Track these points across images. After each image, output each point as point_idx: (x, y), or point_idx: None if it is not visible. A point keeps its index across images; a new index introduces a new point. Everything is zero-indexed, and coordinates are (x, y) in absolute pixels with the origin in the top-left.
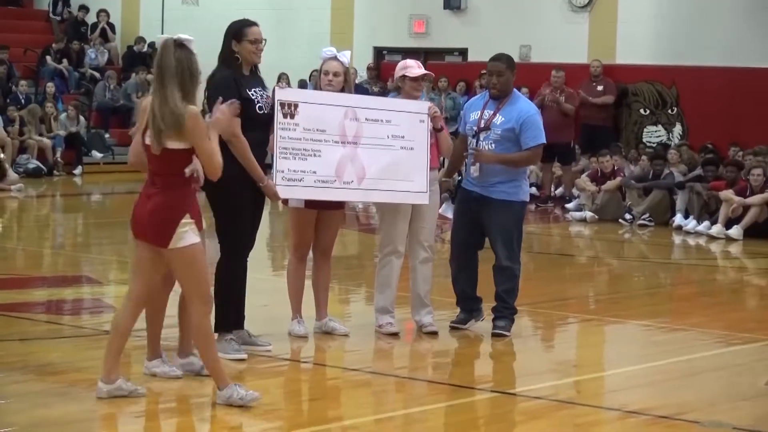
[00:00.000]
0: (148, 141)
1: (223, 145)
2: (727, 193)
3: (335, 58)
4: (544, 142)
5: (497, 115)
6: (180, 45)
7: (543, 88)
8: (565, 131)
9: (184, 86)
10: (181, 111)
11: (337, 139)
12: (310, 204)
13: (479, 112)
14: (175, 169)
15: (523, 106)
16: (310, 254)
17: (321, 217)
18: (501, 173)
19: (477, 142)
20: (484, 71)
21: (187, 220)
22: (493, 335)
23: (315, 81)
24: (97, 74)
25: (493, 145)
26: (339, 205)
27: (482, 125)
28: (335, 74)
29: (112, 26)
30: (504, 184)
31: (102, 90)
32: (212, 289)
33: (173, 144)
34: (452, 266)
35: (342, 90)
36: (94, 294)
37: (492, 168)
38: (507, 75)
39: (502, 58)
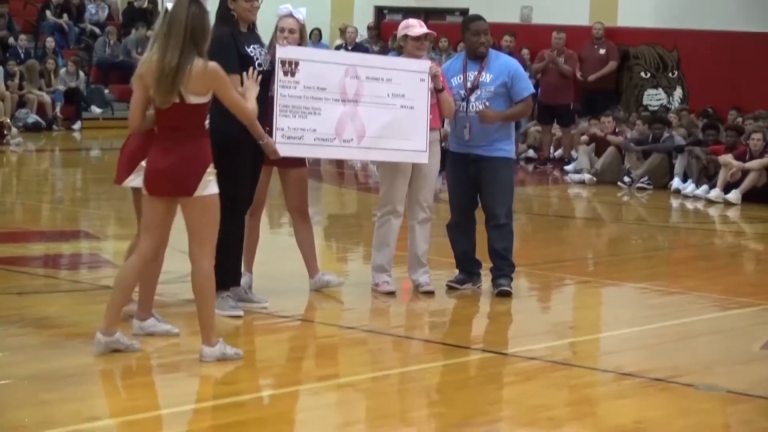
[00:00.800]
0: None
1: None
2: (726, 158)
3: (291, 15)
4: (534, 91)
5: (483, 73)
6: (194, 1)
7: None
8: (565, 93)
9: (196, 42)
10: (201, 66)
11: (337, 97)
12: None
13: (461, 76)
14: (198, 122)
15: (507, 60)
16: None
17: (283, 176)
18: (499, 131)
19: (468, 104)
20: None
21: (211, 169)
22: (500, 294)
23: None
24: (97, 30)
25: (487, 103)
26: (299, 162)
27: (470, 86)
28: (291, 31)
29: None
30: (502, 142)
31: (102, 46)
32: None
33: (195, 99)
34: (452, 229)
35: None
36: (91, 249)
37: (488, 127)
38: (489, 33)
39: (482, 18)
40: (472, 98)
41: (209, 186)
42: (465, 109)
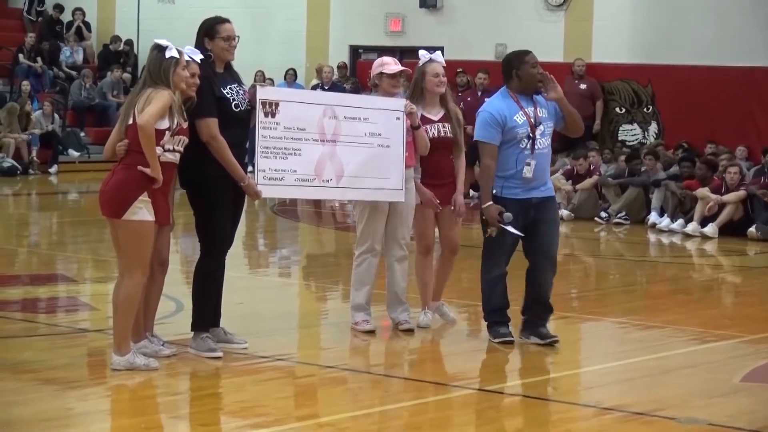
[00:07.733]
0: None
1: (203, 145)
2: (704, 191)
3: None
4: None
5: (538, 108)
6: (156, 47)
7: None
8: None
9: (153, 79)
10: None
11: (316, 137)
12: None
13: (521, 113)
14: (137, 145)
15: (539, 95)
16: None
17: (443, 214)
18: (547, 169)
19: (533, 141)
20: (460, 69)
21: (144, 198)
22: (550, 344)
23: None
24: (72, 72)
25: (548, 140)
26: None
27: (534, 123)
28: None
29: (87, 25)
30: (549, 179)
31: (77, 88)
32: (192, 286)
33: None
34: (495, 275)
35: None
36: (69, 292)
37: (547, 164)
38: None
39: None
40: (537, 135)
41: (139, 213)
42: (531, 147)
